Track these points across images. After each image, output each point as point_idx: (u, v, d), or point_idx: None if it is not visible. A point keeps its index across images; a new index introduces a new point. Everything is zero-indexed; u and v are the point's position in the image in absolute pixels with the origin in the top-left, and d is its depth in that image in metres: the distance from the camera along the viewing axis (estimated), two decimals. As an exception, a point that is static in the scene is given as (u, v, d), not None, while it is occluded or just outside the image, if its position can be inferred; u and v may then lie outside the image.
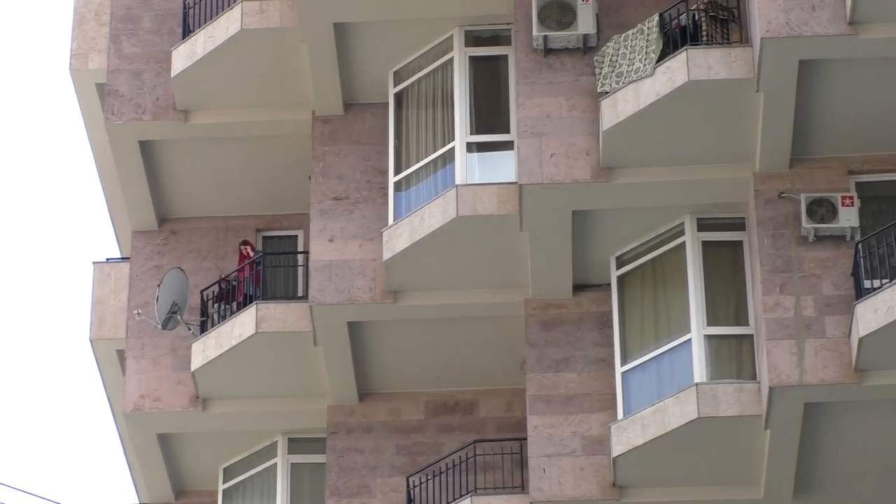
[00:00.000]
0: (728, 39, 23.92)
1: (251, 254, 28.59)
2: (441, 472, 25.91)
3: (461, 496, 25.35)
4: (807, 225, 23.20)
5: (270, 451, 28.77)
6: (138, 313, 28.65)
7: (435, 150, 26.47)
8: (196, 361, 27.32)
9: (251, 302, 27.15)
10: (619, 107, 23.82)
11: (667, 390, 23.91)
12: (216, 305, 28.13)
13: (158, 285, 28.10)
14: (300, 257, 28.22)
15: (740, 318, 24.45)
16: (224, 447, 28.94)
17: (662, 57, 23.86)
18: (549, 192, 24.23)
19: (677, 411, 23.29)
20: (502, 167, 25.57)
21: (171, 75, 27.91)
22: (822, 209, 23.21)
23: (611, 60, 24.85)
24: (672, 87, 23.25)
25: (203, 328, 27.81)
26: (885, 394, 22.74)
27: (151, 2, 29.43)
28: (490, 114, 26.58)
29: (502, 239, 25.27)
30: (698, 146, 24.07)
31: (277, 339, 26.81)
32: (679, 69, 23.23)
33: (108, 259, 32.65)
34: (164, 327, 27.82)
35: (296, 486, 28.54)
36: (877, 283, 22.27)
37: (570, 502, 24.23)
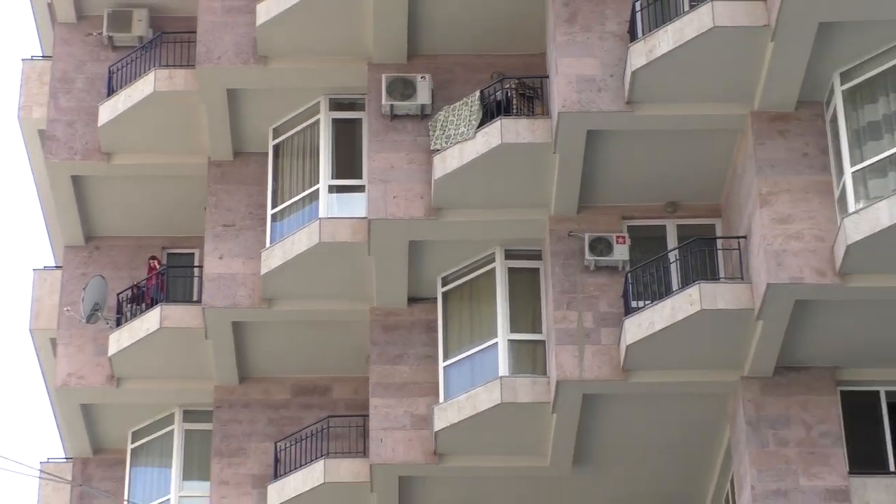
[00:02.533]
0: (533, 112, 24.85)
1: (157, 266, 29.21)
2: (302, 440, 26.79)
3: (317, 459, 26.07)
4: (589, 257, 24.23)
5: (169, 419, 29.25)
6: (67, 310, 29.22)
7: (303, 190, 27.26)
8: (112, 349, 28.01)
9: (156, 304, 27.86)
10: (447, 161, 24.67)
11: (478, 381, 24.78)
12: (129, 306, 28.72)
13: (84, 288, 28.64)
14: (196, 270, 28.78)
15: (536, 327, 25.34)
16: (133, 416, 29.41)
17: (482, 124, 24.61)
18: (392, 225, 25.08)
19: (486, 397, 24.22)
20: (356, 205, 26.33)
21: (98, 125, 28.35)
22: (601, 245, 24.19)
23: (441, 125, 25.46)
24: (488, 148, 24.10)
25: (118, 323, 28.32)
26: (644, 389, 24.00)
27: (84, 66, 29.61)
28: (347, 163, 27.30)
29: (354, 261, 26.02)
30: (507, 194, 24.96)
31: (177, 333, 27.39)
32: (494, 133, 24.05)
33: (45, 267, 32.93)
34: (87, 321, 28.38)
35: (188, 448, 29.03)
36: (641, 303, 23.46)
37: (400, 465, 25.08)
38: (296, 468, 26.43)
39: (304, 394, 28.32)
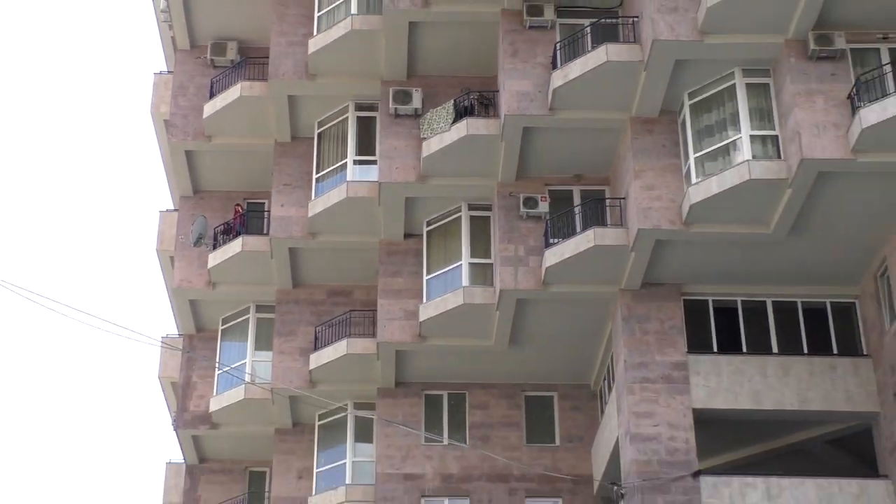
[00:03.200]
0: (488, 114, 24.74)
1: (241, 211, 29.15)
2: (332, 325, 27.37)
3: (342, 338, 26.52)
4: (522, 210, 24.30)
5: (247, 311, 29.52)
6: (181, 238, 29.53)
7: (337, 163, 27.62)
8: (210, 264, 28.18)
9: (239, 235, 28.02)
10: (431, 146, 24.70)
11: (449, 289, 25.08)
12: (221, 236, 28.82)
13: (192, 224, 29.01)
14: (266, 214, 28.63)
15: (487, 254, 25.34)
16: (223, 308, 29.79)
17: (455, 121, 24.59)
18: (394, 187, 25.23)
19: (453, 300, 24.62)
20: (371, 173, 26.15)
21: (203, 117, 28.45)
22: (530, 202, 24.26)
23: (428, 122, 25.36)
24: (458, 137, 24.12)
25: (214, 247, 28.49)
26: (557, 297, 24.21)
27: (194, 79, 29.60)
28: (366, 145, 27.05)
29: (370, 209, 26.31)
30: (470, 167, 24.78)
31: (252, 254, 27.48)
32: (462, 128, 24.10)
33: (167, 210, 32.66)
34: (194, 245, 28.76)
35: (259, 330, 29.53)
36: (556, 240, 23.60)
37: (397, 343, 25.37)
38: (328, 344, 26.68)
39: (335, 295, 28.34)
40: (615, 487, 23.23)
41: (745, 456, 24.05)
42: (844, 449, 24.43)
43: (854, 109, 20.08)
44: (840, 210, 21.42)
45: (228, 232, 28.78)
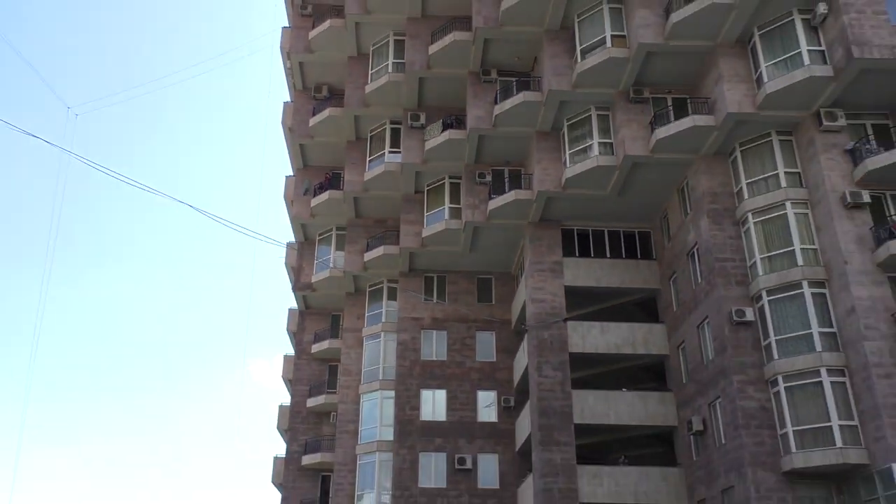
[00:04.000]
0: (461, 128, 25.00)
1: (329, 176, 29.63)
2: None
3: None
4: (477, 180, 24.90)
5: (330, 230, 30.19)
6: (297, 191, 30.24)
7: (385, 150, 27.71)
8: (312, 204, 29.08)
9: (327, 190, 28.73)
10: (430, 144, 25.49)
11: (437, 221, 25.82)
12: (318, 190, 29.23)
13: (303, 183, 30.12)
14: (342, 179, 29.11)
15: (458, 202, 25.88)
16: (319, 227, 30.31)
17: (443, 131, 25.25)
18: (410, 165, 25.95)
19: (439, 227, 25.64)
20: (399, 158, 26.62)
21: (309, 125, 29.14)
22: (482, 175, 24.80)
23: (429, 132, 26.09)
24: (445, 140, 25.00)
25: (315, 195, 29.21)
26: (497, 226, 24.59)
27: (305, 105, 29.55)
28: (397, 145, 27.09)
29: (402, 176, 26.98)
30: (451, 155, 25.42)
31: (336, 200, 28.38)
32: (447, 135, 24.98)
33: (288, 176, 32.22)
34: (304, 194, 29.78)
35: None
36: (494, 196, 24.21)
37: (409, 248, 26.24)
38: (374, 248, 27.78)
39: (377, 223, 28.92)
40: (522, 326, 24.91)
41: (590, 311, 24.09)
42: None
43: (653, 130, 21.25)
44: (643, 183, 22.35)
45: (322, 188, 29.47)
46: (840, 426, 16.81)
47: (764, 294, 18.82)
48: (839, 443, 16.66)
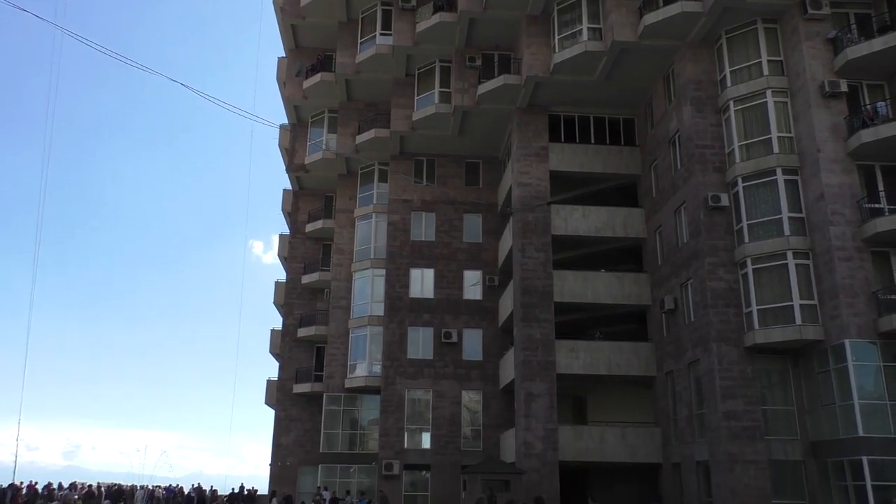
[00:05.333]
0: (454, 10, 24.43)
1: (320, 58, 28.50)
2: None
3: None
4: (467, 64, 24.40)
5: (322, 113, 29.68)
6: (290, 72, 29.17)
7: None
8: (305, 86, 28.31)
9: (318, 71, 28.15)
10: (422, 26, 24.70)
11: (429, 104, 25.38)
12: (309, 71, 28.31)
13: (296, 64, 29.01)
14: (333, 62, 27.98)
15: (448, 87, 25.47)
16: (312, 108, 30.02)
17: (433, 14, 24.50)
18: (401, 48, 25.43)
19: (432, 110, 25.21)
20: (391, 40, 26.11)
21: (300, 5, 28.42)
22: (472, 60, 24.46)
23: (420, 12, 25.21)
24: (435, 22, 24.29)
25: (307, 76, 28.37)
26: (485, 110, 24.33)
27: None
28: (388, 26, 26.71)
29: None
30: (442, 40, 24.80)
31: (327, 83, 27.78)
32: (437, 17, 24.22)
33: (282, 56, 30.92)
34: (296, 76, 28.70)
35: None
36: (484, 80, 23.90)
37: (399, 132, 26.06)
38: (365, 131, 27.32)
39: (369, 107, 28.37)
40: (507, 209, 25.32)
41: (573, 195, 24.22)
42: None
43: (642, 16, 20.80)
44: (630, 70, 22.04)
45: (314, 70, 28.50)
46: (800, 305, 17.53)
47: (739, 181, 19.08)
48: (798, 321, 17.42)
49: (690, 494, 19.19)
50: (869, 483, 15.52)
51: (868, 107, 18.06)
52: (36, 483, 27.58)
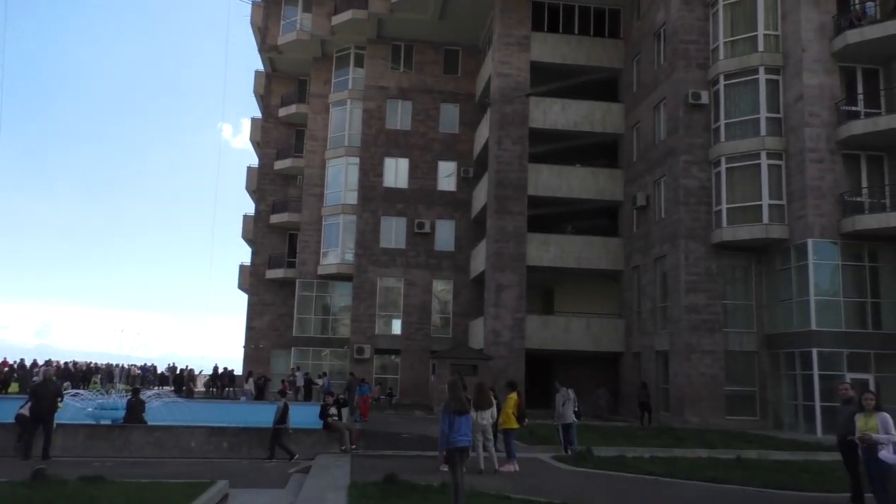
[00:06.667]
0: None
1: None
2: None
3: None
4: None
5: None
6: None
7: None
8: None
9: None
10: None
11: None
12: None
13: None
14: None
15: None
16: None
17: None
18: None
19: None
20: None
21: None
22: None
23: None
24: None
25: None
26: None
27: None
28: None
29: None
30: None
31: None
32: None
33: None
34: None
35: None
36: None
37: (377, 14, 25.32)
38: (342, 11, 26.35)
39: None
40: (486, 99, 25.01)
41: (553, 87, 23.95)
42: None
43: None
44: None
45: None
46: (769, 205, 17.94)
47: (721, 78, 18.95)
48: (766, 220, 17.89)
49: (649, 381, 20.13)
50: (816, 372, 16.47)
51: (857, 6, 17.81)
52: (7, 359, 27.73)
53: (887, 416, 6.37)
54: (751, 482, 8.81)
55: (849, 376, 15.59)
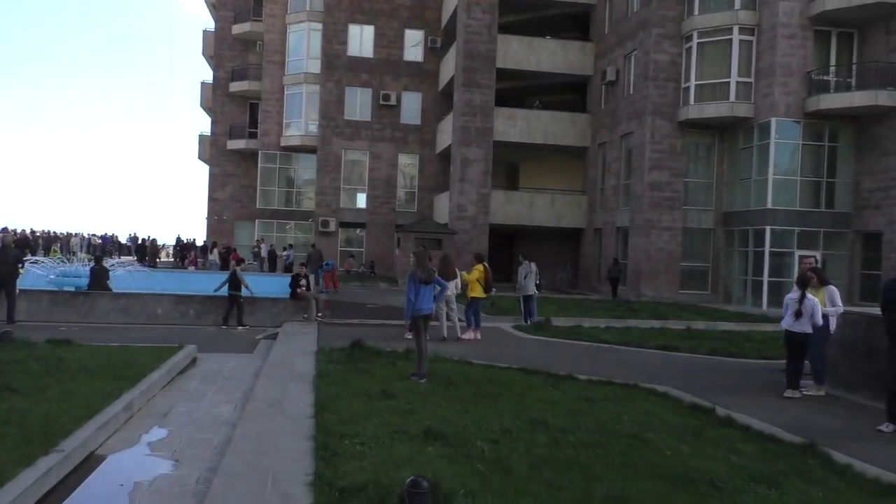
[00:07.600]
0: None
1: None
2: None
3: None
4: None
5: None
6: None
7: None
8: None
9: None
10: None
11: None
12: None
13: None
14: None
15: None
16: None
17: None
18: None
19: None
20: None
21: None
22: None
23: None
24: None
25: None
26: None
27: None
28: None
29: None
30: None
31: None
32: None
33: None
34: None
35: None
36: None
37: None
38: None
39: None
40: None
41: None
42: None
43: None
44: None
45: None
46: (737, 83, 17.90)
47: (698, -53, 18.34)
48: (733, 97, 17.89)
49: (608, 257, 20.67)
50: (767, 249, 17.15)
51: None
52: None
53: (834, 289, 6.95)
54: (698, 350, 9.36)
55: (798, 253, 16.29)
